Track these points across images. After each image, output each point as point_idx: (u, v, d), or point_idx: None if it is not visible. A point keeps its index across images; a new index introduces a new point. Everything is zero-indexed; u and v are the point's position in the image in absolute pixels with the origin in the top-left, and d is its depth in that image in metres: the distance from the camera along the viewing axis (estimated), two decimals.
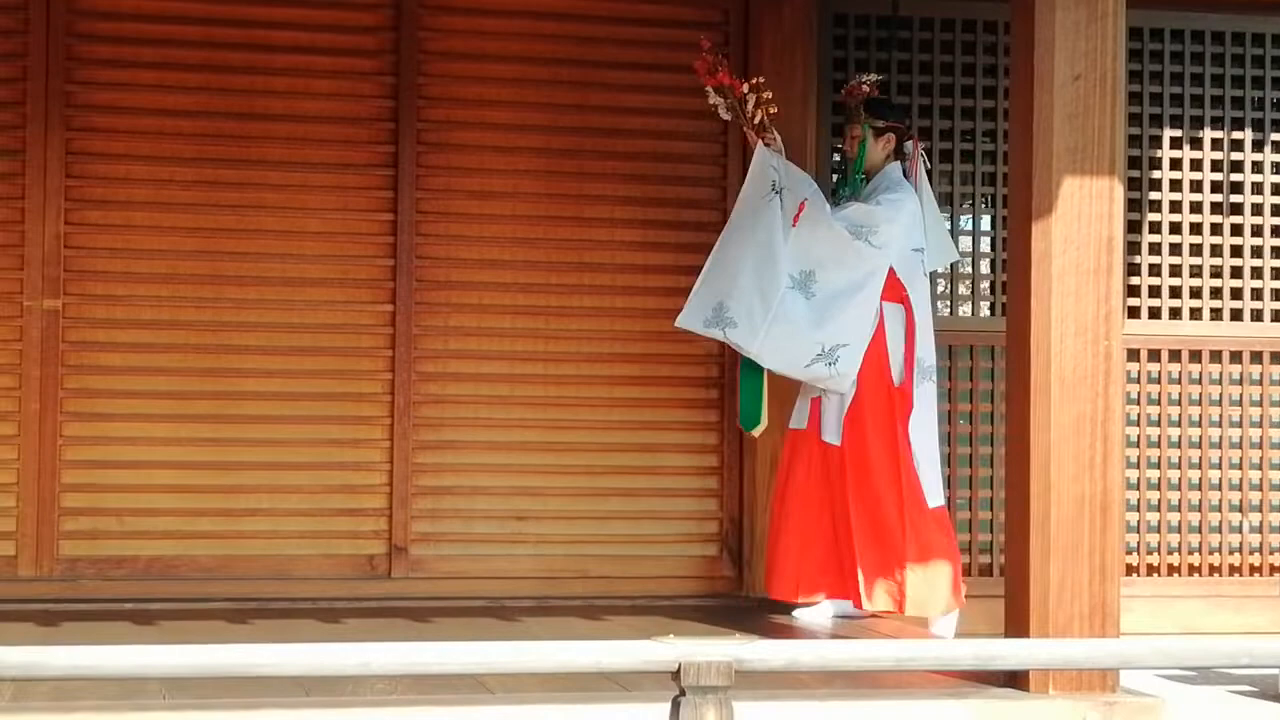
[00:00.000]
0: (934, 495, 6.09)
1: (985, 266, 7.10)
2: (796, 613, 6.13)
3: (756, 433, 6.20)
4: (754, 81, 6.06)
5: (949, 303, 7.08)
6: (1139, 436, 7.08)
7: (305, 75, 6.50)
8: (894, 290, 6.09)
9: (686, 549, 6.64)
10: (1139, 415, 7.09)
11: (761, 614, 6.24)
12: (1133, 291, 7.08)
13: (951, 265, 7.01)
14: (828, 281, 6.02)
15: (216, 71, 6.43)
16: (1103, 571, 4.84)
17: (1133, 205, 7.01)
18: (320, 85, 6.52)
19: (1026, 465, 4.88)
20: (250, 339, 6.45)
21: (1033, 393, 4.87)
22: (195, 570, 6.34)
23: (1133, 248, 7.06)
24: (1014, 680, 4.83)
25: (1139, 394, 7.10)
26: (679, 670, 3.80)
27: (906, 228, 6.12)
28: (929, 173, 6.42)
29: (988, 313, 7.07)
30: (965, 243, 7.07)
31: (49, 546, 6.26)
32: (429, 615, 5.97)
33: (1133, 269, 7.08)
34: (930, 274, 6.33)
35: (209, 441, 6.38)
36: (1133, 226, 7.02)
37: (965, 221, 7.14)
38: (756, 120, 6.06)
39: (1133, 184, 7.05)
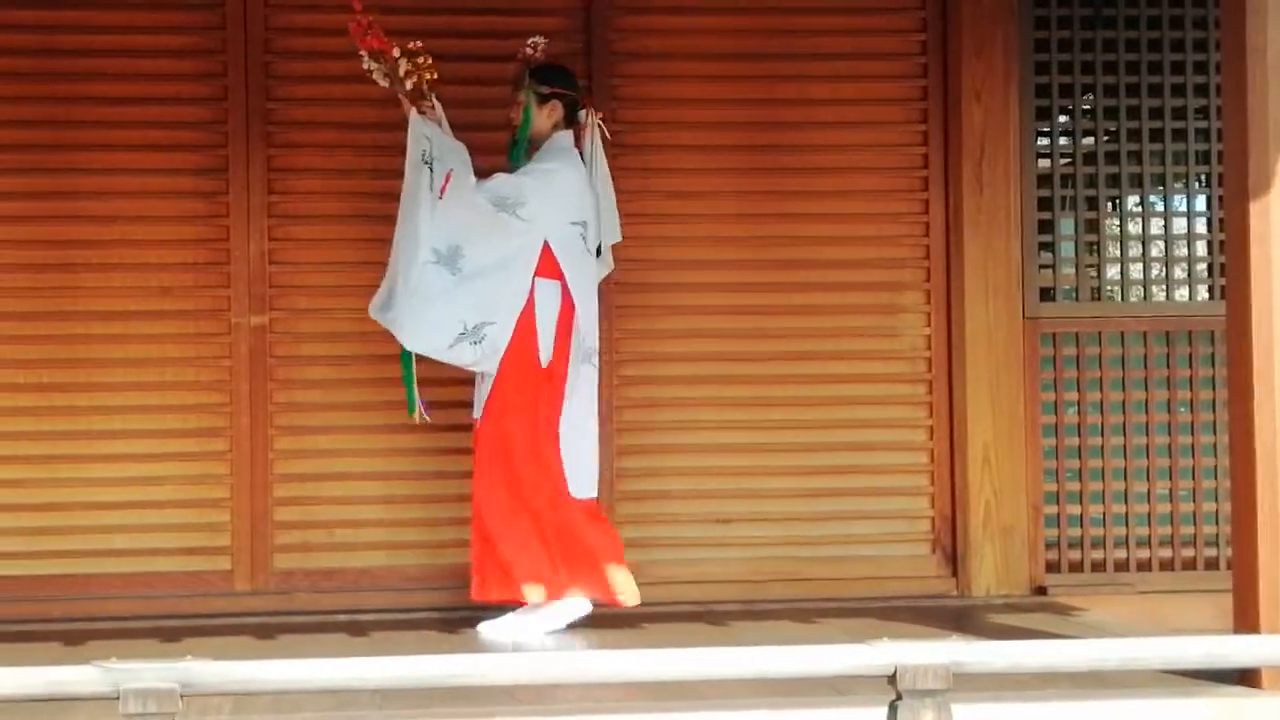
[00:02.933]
0: (580, 485, 5.77)
1: (1201, 248, 6.87)
2: (480, 626, 5.77)
3: (415, 419, 5.86)
4: (408, 46, 5.68)
5: (1164, 287, 6.86)
6: None
7: (498, 84, 6.48)
8: (549, 266, 5.74)
9: (897, 548, 6.52)
10: None
11: (976, 613, 6.11)
12: None
13: (1166, 248, 6.81)
14: (475, 257, 5.70)
15: None
16: None
17: None
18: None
19: (1251, 454, 4.71)
20: None
21: (1255, 379, 4.71)
22: (402, 580, 6.37)
23: None
24: (1244, 678, 4.67)
25: None
26: (895, 674, 3.73)
27: (561, 200, 5.77)
28: (606, 143, 6.00)
29: (1205, 296, 6.84)
30: (1180, 225, 6.86)
31: (263, 560, 6.34)
32: (638, 621, 5.92)
33: None
34: (599, 249, 5.95)
35: (410, 451, 6.40)
36: None
37: (1179, 202, 6.92)
38: (409, 86, 5.69)
39: None
